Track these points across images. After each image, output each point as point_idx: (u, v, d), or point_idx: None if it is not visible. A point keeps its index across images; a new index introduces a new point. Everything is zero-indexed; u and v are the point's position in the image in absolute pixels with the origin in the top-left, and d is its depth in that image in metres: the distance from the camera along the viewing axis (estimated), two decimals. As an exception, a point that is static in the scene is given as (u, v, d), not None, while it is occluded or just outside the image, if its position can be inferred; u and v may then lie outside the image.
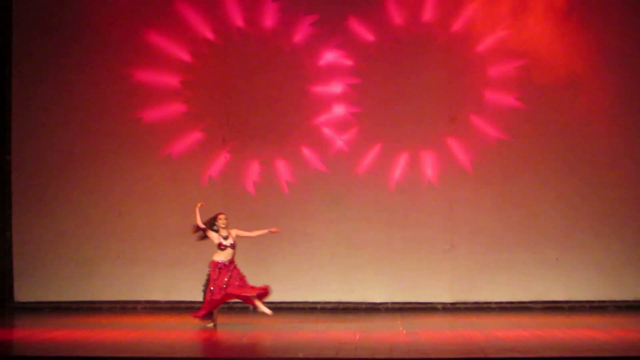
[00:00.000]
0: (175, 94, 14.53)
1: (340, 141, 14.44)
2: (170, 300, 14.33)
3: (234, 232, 12.16)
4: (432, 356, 9.71)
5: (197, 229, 12.10)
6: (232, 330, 11.87)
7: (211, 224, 12.12)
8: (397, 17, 14.43)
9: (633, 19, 14.32)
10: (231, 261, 12.05)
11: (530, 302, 14.15)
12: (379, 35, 14.43)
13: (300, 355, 9.61)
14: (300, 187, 14.40)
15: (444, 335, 11.16)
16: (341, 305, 14.25)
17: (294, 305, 14.20)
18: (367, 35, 14.44)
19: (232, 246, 12.08)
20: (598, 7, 14.39)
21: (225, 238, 12.08)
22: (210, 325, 11.95)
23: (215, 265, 12.00)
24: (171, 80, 14.52)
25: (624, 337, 10.79)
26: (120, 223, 14.45)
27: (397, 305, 14.16)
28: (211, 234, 12.10)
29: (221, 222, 12.11)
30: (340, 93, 14.46)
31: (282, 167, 14.43)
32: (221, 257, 12.05)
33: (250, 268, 14.28)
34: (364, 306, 14.21)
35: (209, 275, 12.03)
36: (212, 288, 11.88)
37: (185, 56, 14.52)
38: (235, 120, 14.48)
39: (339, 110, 14.46)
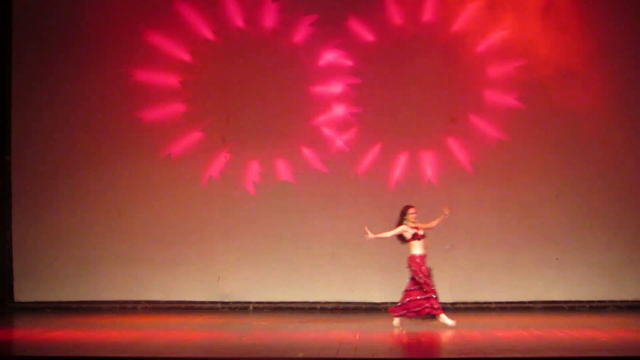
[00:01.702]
0: (175, 94, 14.53)
1: (340, 141, 14.44)
2: (170, 300, 14.32)
3: (420, 224, 12.16)
4: (432, 356, 9.72)
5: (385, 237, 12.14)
6: (232, 330, 11.87)
7: (401, 220, 12.12)
8: (397, 17, 14.43)
9: (632, 17, 14.32)
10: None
11: (530, 302, 14.15)
12: (379, 35, 14.43)
13: (300, 355, 9.62)
14: (300, 187, 14.40)
15: (444, 335, 11.16)
16: (341, 305, 14.25)
17: (294, 305, 14.21)
18: (367, 35, 14.44)
19: (424, 236, 12.12)
20: (598, 6, 14.40)
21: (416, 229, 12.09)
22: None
23: (419, 258, 12.01)
24: (171, 80, 14.52)
25: (624, 337, 10.80)
26: (120, 223, 14.44)
27: (397, 305, 14.16)
28: (403, 230, 12.08)
29: (412, 216, 12.10)
30: (340, 93, 14.46)
31: (282, 167, 14.43)
32: (420, 249, 12.06)
33: (250, 268, 14.34)
34: (364, 306, 14.21)
35: (416, 271, 11.98)
36: (428, 283, 11.89)
37: (185, 56, 14.52)
38: (235, 120, 14.48)
39: (338, 110, 14.46)
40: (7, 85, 14.55)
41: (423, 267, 12.03)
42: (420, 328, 11.87)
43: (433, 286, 11.96)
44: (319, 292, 14.27)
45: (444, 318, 11.92)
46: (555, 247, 14.21)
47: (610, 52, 14.29)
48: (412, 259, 12.07)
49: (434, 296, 11.93)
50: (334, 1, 14.47)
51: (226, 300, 14.34)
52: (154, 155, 14.45)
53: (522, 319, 12.85)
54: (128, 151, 14.46)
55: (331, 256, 14.31)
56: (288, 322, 12.81)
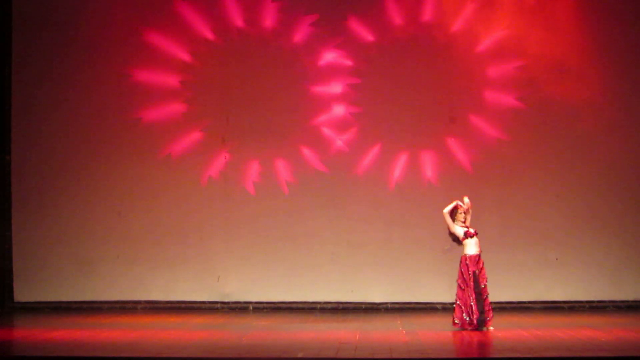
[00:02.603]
0: (175, 94, 14.53)
1: (340, 141, 14.44)
2: (170, 300, 14.32)
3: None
4: (432, 356, 9.71)
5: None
6: (232, 330, 11.87)
7: (452, 220, 11.61)
8: (397, 17, 14.43)
9: (632, 13, 14.32)
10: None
11: (530, 302, 14.15)
12: (379, 35, 14.43)
13: (300, 355, 9.62)
14: (300, 187, 14.40)
15: (444, 335, 11.16)
16: (341, 305, 14.25)
17: (294, 305, 14.21)
18: (367, 35, 14.44)
19: (476, 233, 11.59)
20: (598, 3, 14.40)
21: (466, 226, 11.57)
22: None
23: (469, 259, 11.46)
24: (171, 80, 14.52)
25: (624, 337, 10.79)
26: (120, 223, 14.44)
27: (397, 305, 14.16)
28: (455, 228, 11.59)
29: (461, 216, 11.59)
30: (340, 93, 14.46)
31: (282, 167, 14.43)
32: (473, 248, 11.49)
33: (250, 268, 14.34)
34: (364, 306, 14.21)
35: (461, 273, 11.49)
36: (483, 286, 11.48)
37: (185, 56, 14.52)
38: (235, 120, 14.48)
39: (338, 110, 14.46)
40: (7, 85, 14.55)
41: (469, 270, 11.49)
42: (420, 328, 11.87)
43: (470, 296, 11.46)
44: (318, 292, 14.27)
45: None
46: (555, 247, 14.21)
47: (611, 50, 14.28)
48: (462, 260, 11.58)
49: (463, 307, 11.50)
50: (334, 1, 14.47)
51: (226, 300, 14.34)
52: (154, 155, 14.45)
53: (522, 319, 12.85)
54: (128, 151, 14.46)
55: (331, 256, 14.31)
56: (288, 322, 12.80)
